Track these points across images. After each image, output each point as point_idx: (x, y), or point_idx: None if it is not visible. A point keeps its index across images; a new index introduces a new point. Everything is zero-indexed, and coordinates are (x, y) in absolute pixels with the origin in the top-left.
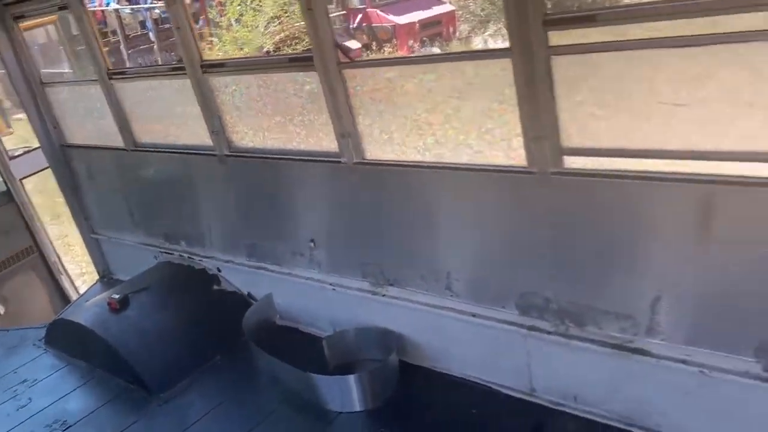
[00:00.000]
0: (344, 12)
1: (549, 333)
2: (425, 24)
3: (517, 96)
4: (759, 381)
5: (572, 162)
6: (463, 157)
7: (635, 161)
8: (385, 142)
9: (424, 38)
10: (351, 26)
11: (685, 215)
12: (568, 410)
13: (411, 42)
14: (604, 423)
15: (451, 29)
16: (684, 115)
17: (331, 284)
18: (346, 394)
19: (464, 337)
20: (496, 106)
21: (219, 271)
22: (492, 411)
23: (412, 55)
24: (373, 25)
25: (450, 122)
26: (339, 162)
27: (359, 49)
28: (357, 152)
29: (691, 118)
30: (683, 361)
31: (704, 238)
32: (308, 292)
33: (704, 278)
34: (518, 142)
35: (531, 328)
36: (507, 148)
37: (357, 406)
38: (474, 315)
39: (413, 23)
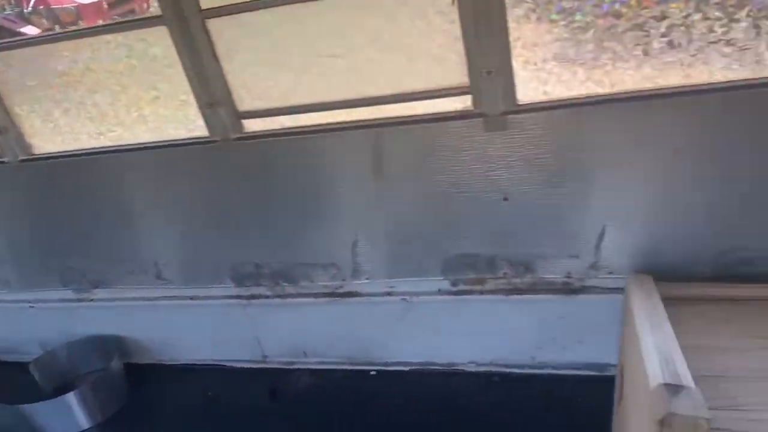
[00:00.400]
0: None
1: (267, 297)
2: (113, 2)
3: (182, 64)
4: (450, 295)
5: (251, 125)
6: (143, 136)
7: (312, 116)
8: (52, 132)
9: (116, 16)
10: (25, 10)
11: (362, 160)
12: (300, 366)
13: (101, 21)
14: (334, 368)
15: (144, 5)
16: (342, 65)
17: (28, 302)
18: (67, 415)
19: (187, 323)
20: (165, 77)
21: None
22: (228, 388)
23: (53, 32)
24: (53, 7)
25: (120, 100)
26: (2, 162)
27: (39, 35)
28: (21, 148)
29: (349, 67)
30: (388, 294)
31: (380, 178)
32: (3, 316)
33: (388, 214)
34: (195, 112)
35: (250, 297)
36: (185, 120)
37: (84, 424)
38: (192, 298)
39: (99, 2)
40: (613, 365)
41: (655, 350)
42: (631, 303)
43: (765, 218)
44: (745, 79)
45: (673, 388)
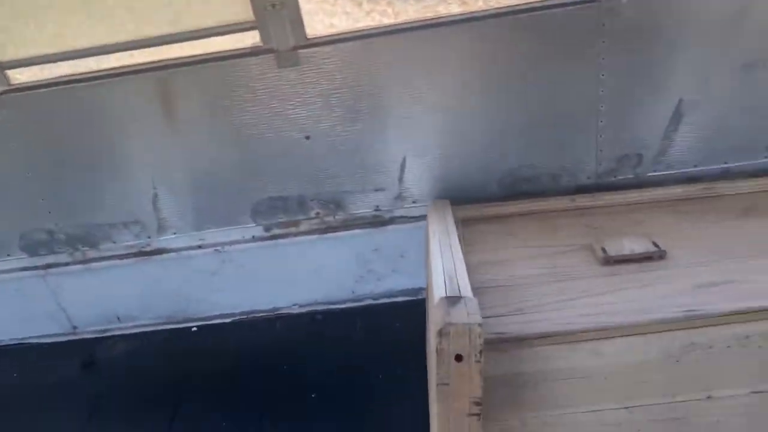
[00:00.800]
0: None
1: (67, 265)
2: None
3: None
4: (265, 241)
5: (19, 76)
6: None
7: (89, 62)
8: None
9: None
10: None
11: (151, 106)
12: (115, 333)
13: None
14: (152, 330)
15: None
16: (113, 3)
17: None
18: None
19: None
20: None
21: None
22: (36, 367)
23: None
24: None
25: None
26: None
27: None
28: None
29: (122, 5)
30: (199, 246)
31: (173, 124)
32: None
33: (186, 163)
34: None
35: (47, 266)
36: None
37: None
38: None
39: None
40: (424, 288)
41: (442, 268)
42: (429, 227)
43: (545, 137)
44: (517, 4)
45: (452, 300)
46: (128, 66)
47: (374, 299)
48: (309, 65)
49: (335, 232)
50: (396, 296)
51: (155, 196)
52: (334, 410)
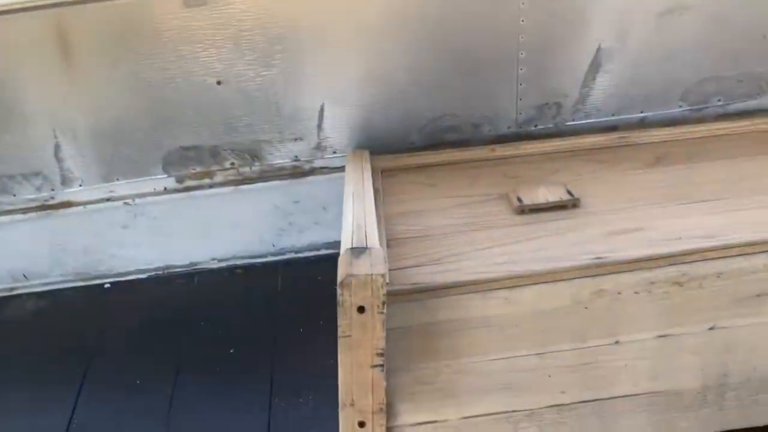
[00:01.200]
0: None
1: None
2: None
3: None
4: (178, 193)
5: None
6: None
7: None
8: None
9: None
10: None
11: (47, 49)
12: (22, 291)
13: None
14: (63, 287)
15: None
16: None
17: None
18: None
19: None
20: None
21: None
22: None
23: None
24: None
25: None
26: None
27: None
28: None
29: None
30: (108, 199)
31: (72, 70)
32: None
33: (89, 111)
34: None
35: None
36: None
37: None
38: None
39: None
40: None
41: (352, 219)
42: (345, 178)
43: (465, 86)
44: None
45: (357, 251)
46: (18, 3)
47: (296, 252)
48: (217, 4)
49: (253, 183)
50: (319, 249)
51: (57, 146)
52: (253, 364)
